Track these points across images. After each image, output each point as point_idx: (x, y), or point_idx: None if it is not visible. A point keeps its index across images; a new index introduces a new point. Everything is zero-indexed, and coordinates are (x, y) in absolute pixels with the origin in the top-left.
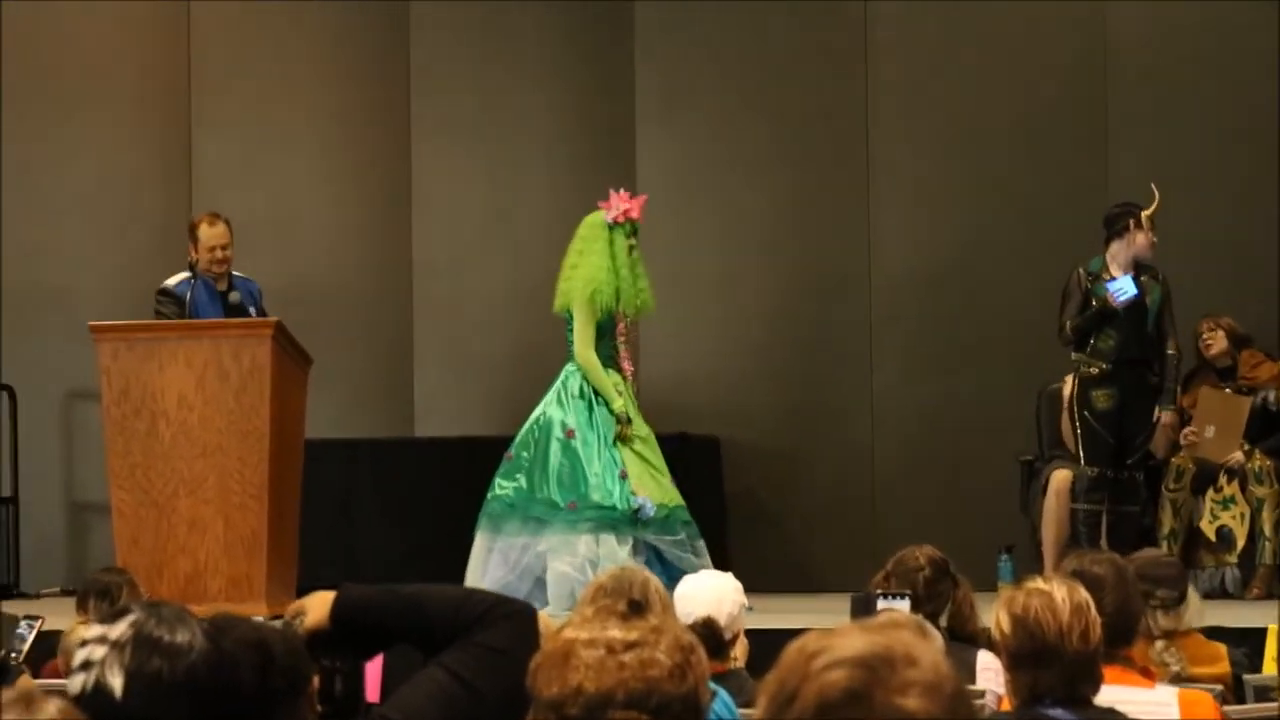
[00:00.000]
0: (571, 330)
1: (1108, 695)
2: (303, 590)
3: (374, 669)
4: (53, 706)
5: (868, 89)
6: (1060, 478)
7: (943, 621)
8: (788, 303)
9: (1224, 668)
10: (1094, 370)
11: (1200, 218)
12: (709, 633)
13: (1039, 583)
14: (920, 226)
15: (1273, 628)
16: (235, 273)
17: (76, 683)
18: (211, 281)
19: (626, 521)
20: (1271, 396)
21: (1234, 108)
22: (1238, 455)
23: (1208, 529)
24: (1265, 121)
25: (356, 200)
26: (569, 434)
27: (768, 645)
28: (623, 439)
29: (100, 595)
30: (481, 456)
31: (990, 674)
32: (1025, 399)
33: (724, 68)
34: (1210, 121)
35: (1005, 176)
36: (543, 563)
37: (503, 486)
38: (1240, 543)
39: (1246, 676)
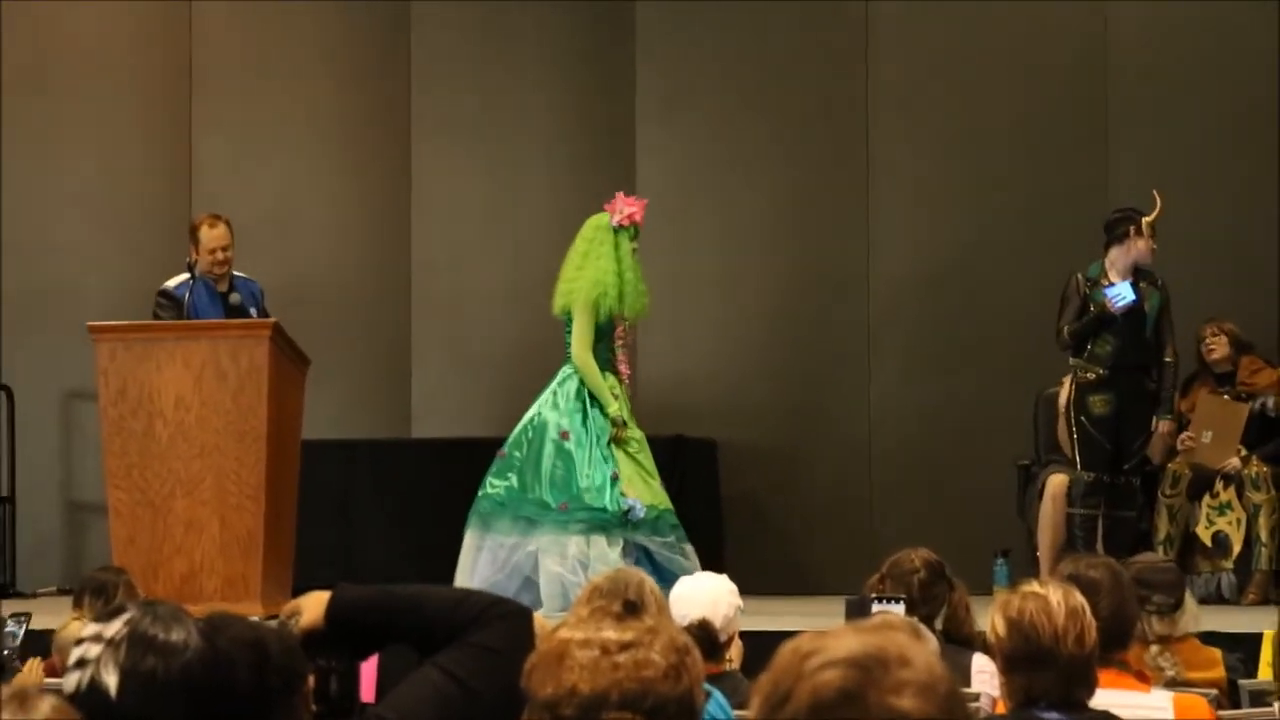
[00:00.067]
0: (570, 332)
1: (1103, 699)
2: (299, 590)
3: (369, 669)
4: (47, 705)
5: (868, 89)
6: (1057, 482)
7: (938, 624)
8: (787, 303)
9: (1219, 673)
10: (1091, 375)
11: (1200, 218)
12: (704, 634)
13: (1034, 586)
14: (920, 227)
15: (1268, 633)
16: (237, 273)
17: (71, 681)
18: (212, 283)
19: (617, 523)
20: (1270, 403)
21: (1234, 108)
22: (1234, 461)
23: (1204, 534)
24: (1265, 121)
25: (356, 200)
26: (563, 435)
27: (763, 647)
28: (617, 442)
29: (96, 592)
30: (479, 457)
31: (985, 677)
32: (1023, 402)
33: (724, 68)
34: (1210, 121)
35: (1005, 177)
36: (533, 562)
37: (494, 485)
38: (1236, 548)
39: (1242, 681)
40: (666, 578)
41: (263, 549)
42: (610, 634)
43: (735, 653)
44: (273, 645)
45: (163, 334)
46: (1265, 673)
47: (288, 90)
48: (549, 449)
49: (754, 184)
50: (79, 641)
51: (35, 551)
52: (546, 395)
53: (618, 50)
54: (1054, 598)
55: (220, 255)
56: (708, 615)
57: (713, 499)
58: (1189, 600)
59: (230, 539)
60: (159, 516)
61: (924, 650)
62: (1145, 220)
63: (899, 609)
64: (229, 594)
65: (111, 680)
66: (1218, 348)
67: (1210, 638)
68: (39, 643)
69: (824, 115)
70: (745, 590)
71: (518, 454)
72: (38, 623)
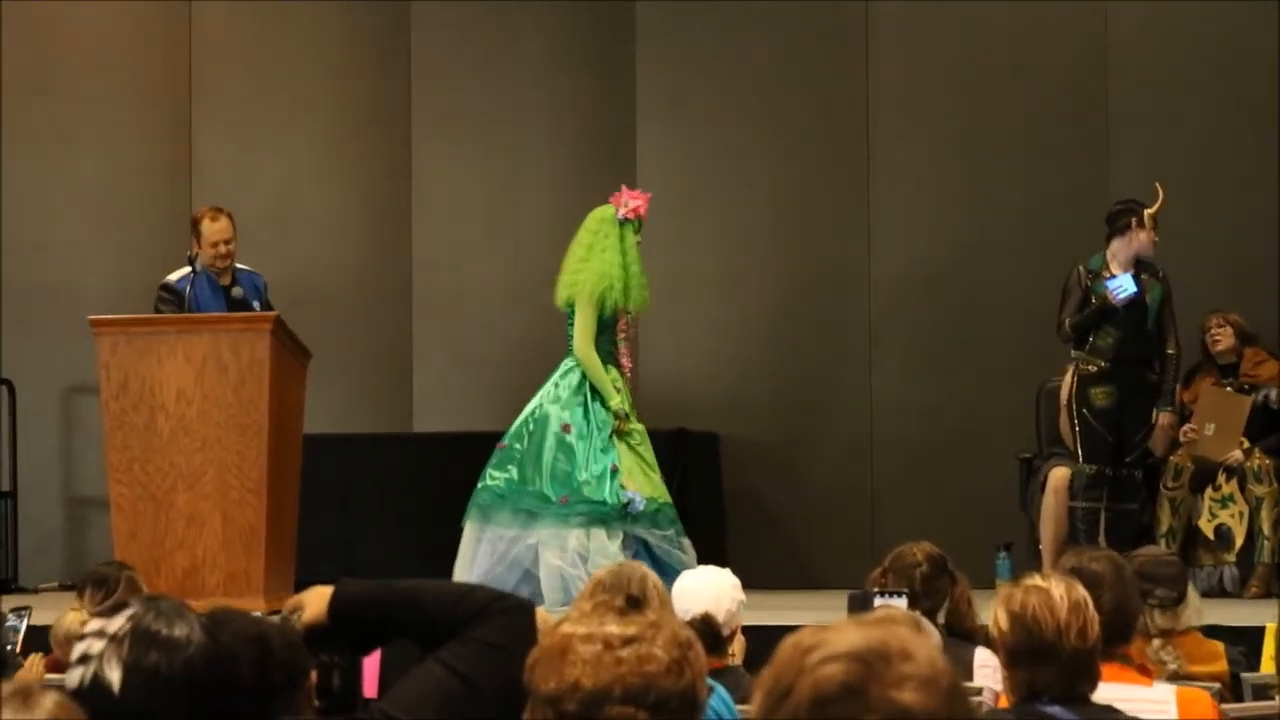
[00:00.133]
0: (572, 324)
1: (1105, 693)
2: (301, 585)
3: (372, 664)
4: (50, 701)
5: (868, 89)
6: (1059, 475)
7: (940, 618)
8: (788, 301)
9: (1221, 666)
10: (1093, 368)
11: (1200, 218)
12: (707, 629)
13: (1037, 580)
14: (920, 225)
15: (1270, 626)
16: (240, 265)
17: (74, 677)
18: (214, 276)
19: (617, 516)
20: (1273, 395)
21: (1234, 107)
22: (1237, 454)
23: (1206, 527)
24: (1265, 120)
25: (357, 197)
26: (565, 428)
27: (765, 641)
28: (619, 434)
29: (97, 584)
30: (481, 452)
31: (988, 671)
32: (1024, 397)
33: (724, 67)
34: (1210, 121)
35: (1005, 176)
36: (533, 555)
37: (494, 477)
38: (1239, 541)
39: (1244, 675)
40: (665, 571)
41: (265, 544)
42: (613, 629)
43: (738, 647)
44: (275, 640)
45: (164, 327)
46: (1268, 666)
47: (288, 89)
48: (550, 442)
49: (755, 182)
50: (82, 637)
51: (37, 546)
52: (548, 388)
53: (618, 50)
54: (1056, 591)
55: (223, 248)
56: (711, 610)
57: (715, 493)
58: (1191, 594)
59: (232, 533)
60: (161, 511)
61: (926, 644)
62: (1147, 212)
63: (901, 603)
64: (231, 589)
65: (114, 676)
66: (1223, 339)
67: (1213, 631)
68: (40, 637)
69: (824, 115)
70: (747, 585)
71: (518, 446)
72: (39, 618)
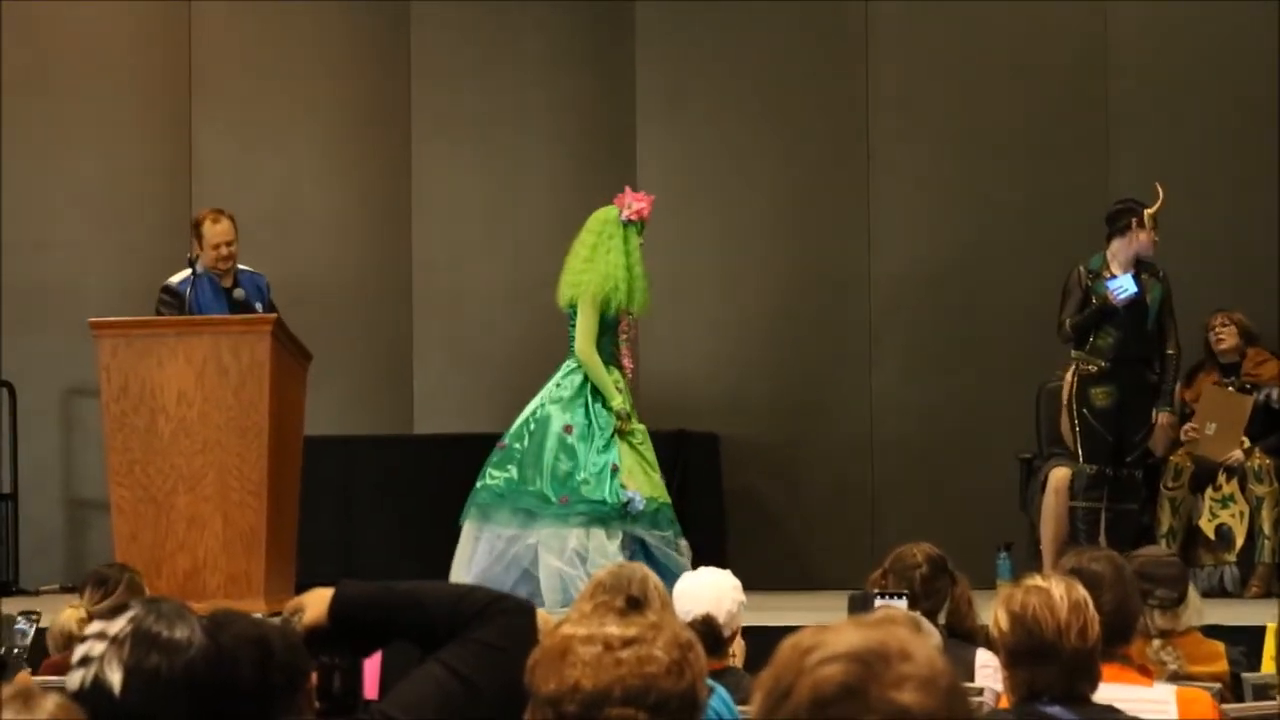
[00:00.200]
0: (574, 325)
1: (1106, 693)
2: (301, 587)
3: (372, 665)
4: (51, 703)
5: (868, 89)
6: (1059, 475)
7: (941, 619)
8: (788, 301)
9: (1222, 666)
10: (1093, 368)
11: (1200, 217)
12: (708, 630)
13: (1037, 580)
14: (920, 225)
15: (1271, 626)
16: (242, 266)
17: (75, 679)
18: (216, 278)
19: (616, 515)
20: (1274, 395)
21: (1234, 108)
22: (1237, 454)
23: (1207, 527)
24: (1265, 121)
25: (357, 198)
26: (567, 429)
27: (766, 642)
28: (621, 434)
29: (97, 584)
30: (481, 453)
31: (989, 671)
32: (1024, 398)
33: (725, 67)
34: (1210, 121)
35: (1005, 176)
36: (532, 555)
37: (494, 476)
38: (1239, 541)
39: (1245, 675)
40: (661, 573)
41: (265, 545)
42: (613, 630)
43: (738, 648)
44: (276, 642)
45: (164, 329)
46: (1268, 666)
47: (288, 89)
48: (552, 442)
49: (754, 182)
50: (83, 639)
51: (37, 549)
52: (550, 388)
53: (618, 50)
54: (1057, 592)
55: (224, 250)
56: (711, 611)
57: (715, 494)
58: (1192, 594)
59: (233, 535)
60: (161, 513)
61: (925, 644)
62: (1147, 212)
63: (901, 604)
64: (232, 591)
65: (115, 678)
66: (1227, 337)
67: (1213, 631)
68: (38, 644)
69: (824, 115)
70: (747, 585)
71: (518, 446)
72: (41, 621)
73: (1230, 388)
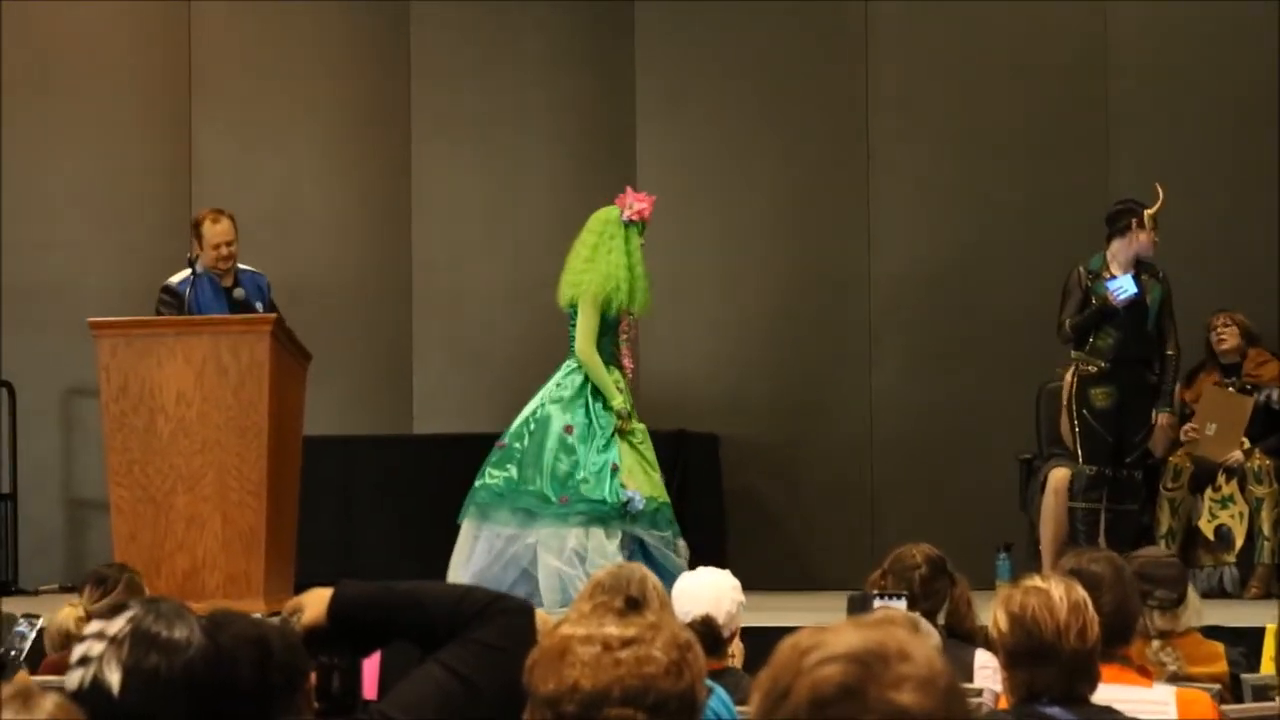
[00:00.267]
0: (574, 325)
1: (1105, 694)
2: (301, 587)
3: (372, 666)
4: (50, 703)
5: (868, 89)
6: (1059, 476)
7: (940, 620)
8: (787, 301)
9: (1221, 667)
10: (1093, 368)
11: (1200, 218)
12: (707, 630)
13: (1037, 581)
14: (920, 225)
15: (1270, 627)
16: (243, 266)
17: (74, 679)
18: (216, 277)
19: (616, 514)
20: (1275, 396)
21: (1234, 108)
22: (1237, 454)
23: (1206, 528)
24: (1265, 122)
25: (357, 198)
26: (567, 429)
27: (766, 643)
28: (621, 434)
29: (96, 583)
30: (480, 453)
31: (988, 672)
32: (1024, 398)
33: (724, 67)
34: (1210, 120)
35: (1005, 176)
36: (531, 554)
37: (493, 475)
38: (1239, 542)
39: (1244, 676)
40: (659, 573)
41: (265, 545)
42: (612, 630)
43: (736, 649)
44: (275, 642)
45: (164, 329)
46: (1268, 667)
47: (288, 89)
48: (552, 443)
49: (754, 182)
50: (82, 639)
51: (37, 549)
52: (550, 388)
53: (618, 50)
54: (1056, 592)
55: (224, 250)
56: (711, 611)
57: (714, 494)
58: (1192, 595)
59: (232, 535)
60: (161, 513)
61: (924, 645)
62: (1147, 213)
63: (900, 605)
64: (231, 591)
65: (114, 678)
66: (1229, 338)
67: (1213, 632)
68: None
69: (823, 115)
70: (747, 586)
71: (518, 445)
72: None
73: (1231, 388)
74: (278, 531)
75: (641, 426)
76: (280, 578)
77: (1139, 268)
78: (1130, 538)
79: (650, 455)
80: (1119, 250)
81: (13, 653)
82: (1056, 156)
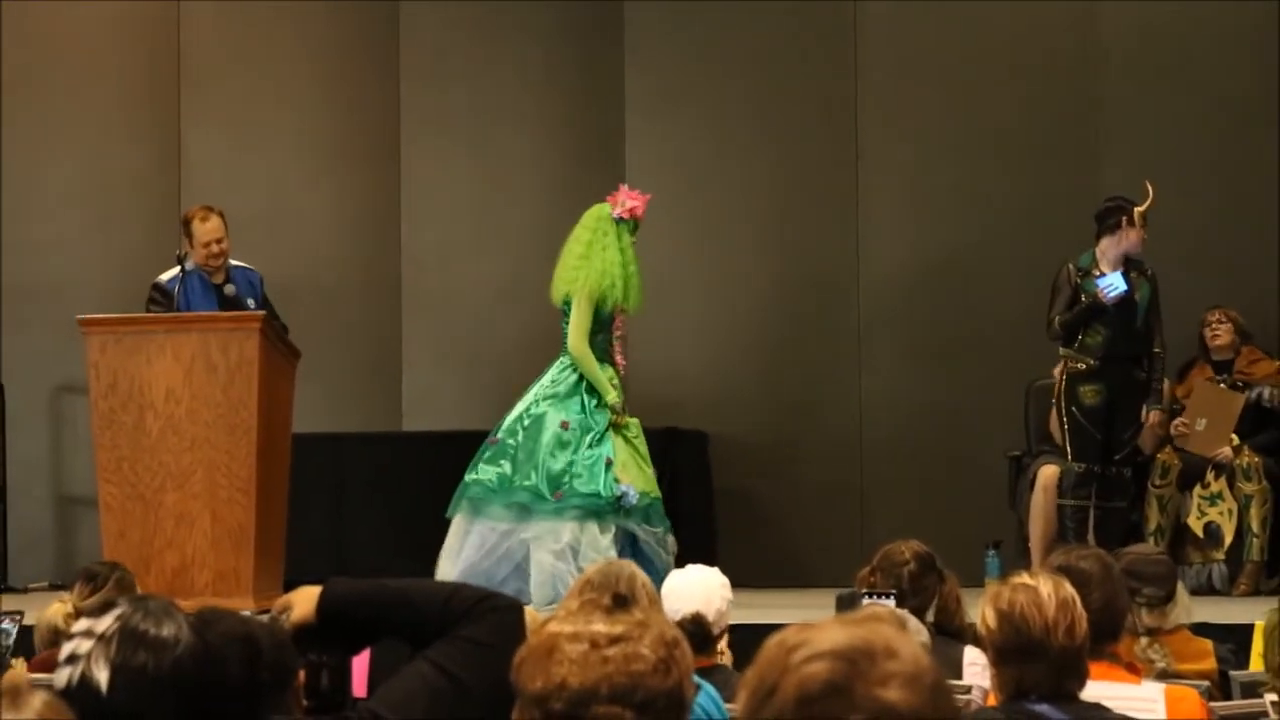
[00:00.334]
0: (568, 321)
1: (1093, 691)
2: (290, 584)
3: (361, 663)
4: (38, 701)
5: (857, 90)
6: (1048, 473)
7: (929, 617)
8: (778, 299)
9: (1210, 664)
10: (1082, 366)
11: (1193, 217)
12: (697, 628)
13: (1025, 578)
14: (910, 224)
15: (1259, 624)
16: (235, 262)
17: (62, 676)
18: (206, 275)
19: (610, 509)
20: (1267, 393)
21: (1228, 106)
22: (1226, 450)
23: (1195, 525)
24: (1257, 120)
25: (346, 197)
26: (563, 425)
27: (756, 640)
28: (616, 428)
29: (87, 579)
30: (470, 450)
31: (977, 669)
32: (1014, 395)
33: (714, 67)
34: (1202, 119)
35: (996, 176)
36: (525, 549)
37: (485, 471)
38: (1228, 539)
39: (1233, 673)
40: (647, 569)
41: (254, 543)
42: (599, 627)
43: (724, 646)
44: (264, 640)
45: (153, 327)
46: (1256, 664)
47: (277, 88)
48: (547, 438)
49: (744, 182)
50: (70, 636)
51: (26, 546)
52: (544, 384)
53: (607, 49)
54: (1045, 589)
55: (215, 248)
56: (701, 609)
57: (704, 492)
58: (1181, 592)
59: (221, 533)
60: (150, 510)
61: (910, 642)
62: (1137, 210)
63: (889, 604)
64: (220, 588)
65: (102, 676)
66: (1223, 334)
67: (1202, 629)
68: (26, 640)
69: (814, 115)
70: (737, 584)
71: (512, 441)
72: (29, 619)
73: (1222, 385)
74: (267, 529)
75: (635, 421)
76: (269, 575)
77: (1128, 265)
78: (1119, 535)
79: (644, 450)
80: (1108, 248)
81: None
82: (1047, 156)
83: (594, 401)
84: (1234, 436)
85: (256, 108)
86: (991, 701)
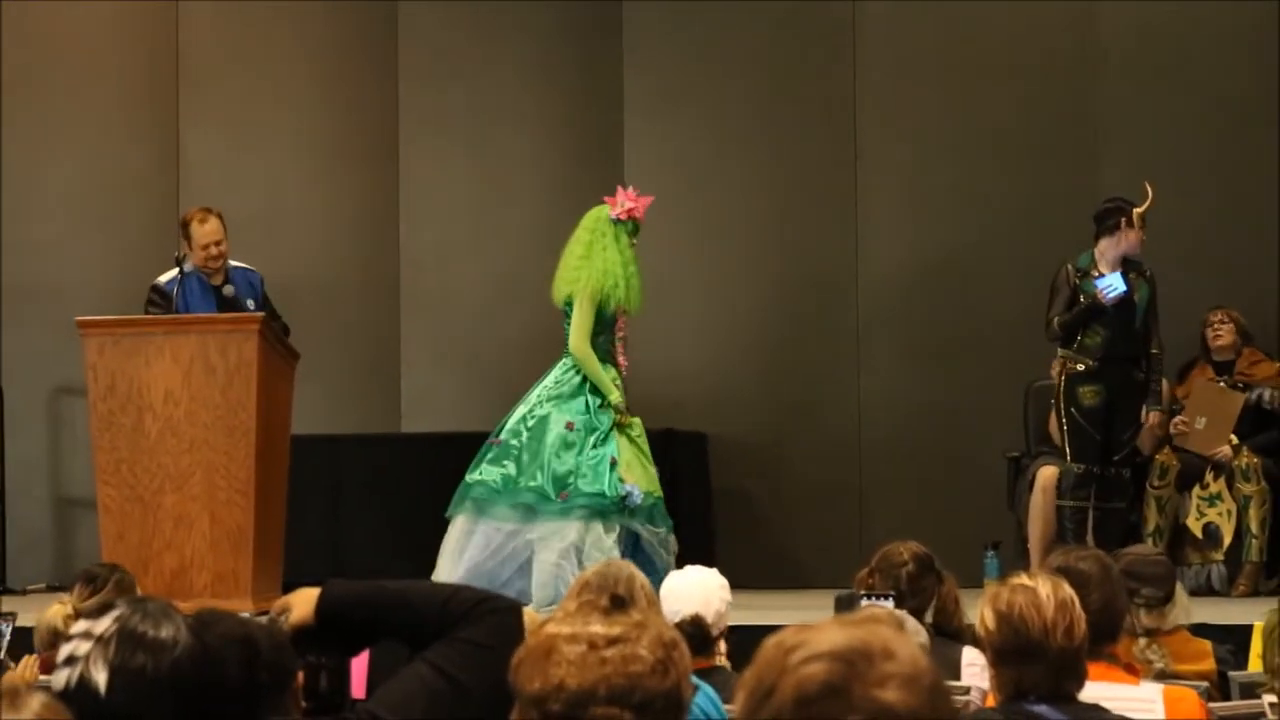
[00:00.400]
0: (570, 321)
1: (1092, 692)
2: (289, 586)
3: (359, 665)
4: (37, 702)
5: (855, 90)
6: (1047, 474)
7: (928, 618)
8: (777, 300)
9: (1209, 664)
10: (1081, 367)
11: (1193, 217)
12: (696, 630)
13: (1024, 579)
14: (908, 226)
15: (1258, 624)
16: (234, 263)
17: (61, 678)
18: (205, 276)
19: (615, 508)
20: (1267, 394)
21: (1227, 106)
22: (1225, 449)
23: (1194, 526)
24: (1256, 121)
25: (344, 197)
26: (568, 426)
27: (754, 641)
28: (620, 428)
29: (86, 581)
30: (470, 452)
31: (976, 670)
32: (1013, 396)
33: (712, 67)
34: (1201, 120)
35: (994, 176)
36: (530, 550)
37: (488, 471)
38: (1227, 540)
39: (1232, 674)
40: (648, 569)
41: (253, 544)
42: (598, 629)
43: (722, 647)
44: (262, 642)
45: (151, 328)
46: (1255, 665)
47: (275, 88)
48: (552, 439)
49: (743, 182)
50: (69, 638)
51: (24, 548)
52: (547, 385)
53: (606, 49)
54: (1043, 590)
55: (213, 250)
56: (700, 610)
57: (703, 493)
58: (1180, 593)
59: (220, 534)
60: (148, 512)
61: (908, 643)
62: (1136, 211)
63: (888, 605)
64: (219, 590)
65: (101, 677)
66: (1225, 334)
67: (1201, 629)
68: (25, 641)
69: (812, 115)
70: (735, 584)
71: (515, 442)
72: (27, 620)
73: (1223, 385)
74: (265, 531)
75: (638, 420)
76: (268, 577)
77: (1126, 266)
78: (1118, 536)
79: (646, 449)
80: (1107, 248)
81: None
82: (1046, 156)
83: (598, 402)
84: (1233, 437)
85: (255, 108)
86: (990, 702)
